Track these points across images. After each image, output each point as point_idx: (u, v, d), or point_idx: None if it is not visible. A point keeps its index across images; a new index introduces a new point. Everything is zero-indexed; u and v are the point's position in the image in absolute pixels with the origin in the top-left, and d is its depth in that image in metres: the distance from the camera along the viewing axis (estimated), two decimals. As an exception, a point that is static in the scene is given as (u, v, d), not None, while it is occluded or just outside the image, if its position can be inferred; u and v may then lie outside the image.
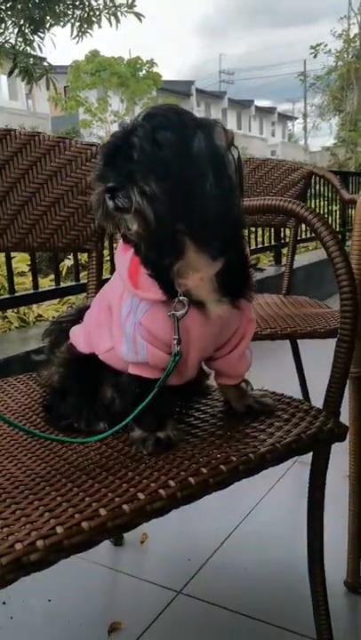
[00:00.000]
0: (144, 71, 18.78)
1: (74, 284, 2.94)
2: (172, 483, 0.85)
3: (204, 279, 0.97)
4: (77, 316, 1.26)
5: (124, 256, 1.02)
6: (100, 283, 1.54)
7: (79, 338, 1.18)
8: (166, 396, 1.03)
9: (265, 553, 1.65)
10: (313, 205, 5.90)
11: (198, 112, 35.59)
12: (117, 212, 0.85)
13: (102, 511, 0.77)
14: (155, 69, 18.90)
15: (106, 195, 0.85)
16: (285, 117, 46.39)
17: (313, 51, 13.15)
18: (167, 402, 1.05)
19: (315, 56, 13.09)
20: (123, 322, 1.03)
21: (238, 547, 1.67)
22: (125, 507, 0.79)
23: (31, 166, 1.42)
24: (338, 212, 7.00)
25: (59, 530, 0.73)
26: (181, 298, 0.97)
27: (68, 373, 1.17)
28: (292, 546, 1.65)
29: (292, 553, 1.62)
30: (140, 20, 6.08)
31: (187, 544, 1.69)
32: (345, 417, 1.29)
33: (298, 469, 2.01)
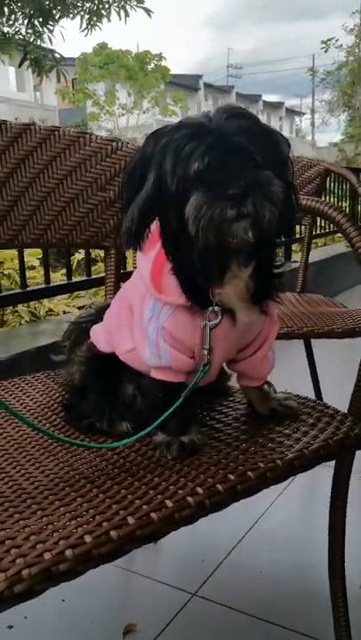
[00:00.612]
0: (152, 65, 18.67)
1: (85, 278, 2.92)
2: (199, 490, 0.83)
3: (238, 286, 0.94)
4: (97, 316, 1.24)
5: (143, 258, 0.99)
6: (119, 279, 1.53)
7: (100, 337, 1.16)
8: (189, 400, 1.01)
9: (280, 553, 1.63)
10: (323, 202, 5.85)
11: (206, 106, 35.52)
12: (237, 220, 0.80)
13: (130, 519, 0.76)
14: (163, 63, 18.79)
15: (229, 202, 0.79)
16: (293, 112, 46.16)
17: (324, 45, 13.03)
18: (190, 405, 1.03)
19: (326, 51, 12.95)
20: (145, 325, 1.01)
21: (253, 547, 1.66)
22: (154, 515, 0.77)
23: (51, 161, 1.40)
24: (348, 209, 6.95)
25: (87, 539, 0.71)
26: (215, 308, 0.94)
27: (89, 371, 1.15)
28: (307, 547, 1.63)
29: (308, 554, 1.60)
30: (149, 15, 6.06)
31: (201, 545, 1.68)
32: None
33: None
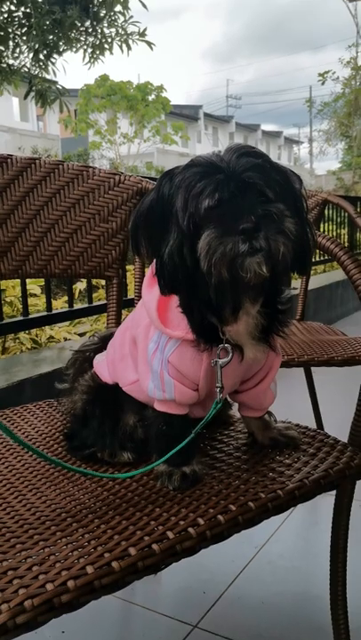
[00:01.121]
0: (153, 95, 19.07)
1: (86, 306, 2.95)
2: (200, 521, 0.84)
3: (248, 323, 0.94)
4: (101, 345, 1.25)
5: (151, 290, 1.00)
6: (121, 309, 1.55)
7: (103, 368, 1.17)
8: (191, 429, 1.01)
9: (282, 584, 1.61)
10: (323, 229, 5.93)
11: (206, 135, 36.07)
12: (250, 254, 0.80)
13: (132, 550, 0.76)
14: (164, 94, 19.19)
15: (240, 236, 0.80)
16: (291, 141, 46.86)
17: (321, 78, 13.34)
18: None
19: (323, 83, 13.26)
20: (149, 358, 1.01)
21: (254, 578, 1.64)
22: (155, 546, 0.77)
23: (55, 194, 1.43)
24: (346, 236, 7.02)
25: (89, 570, 0.72)
26: (226, 346, 0.95)
27: (92, 401, 1.16)
28: (309, 577, 1.62)
29: (310, 584, 1.59)
30: (150, 47, 6.21)
31: (202, 576, 1.66)
32: None
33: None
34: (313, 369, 2.35)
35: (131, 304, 2.72)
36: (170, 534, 0.80)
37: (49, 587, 0.68)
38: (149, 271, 1.01)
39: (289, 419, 1.24)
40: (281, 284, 0.96)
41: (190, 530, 0.81)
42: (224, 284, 0.84)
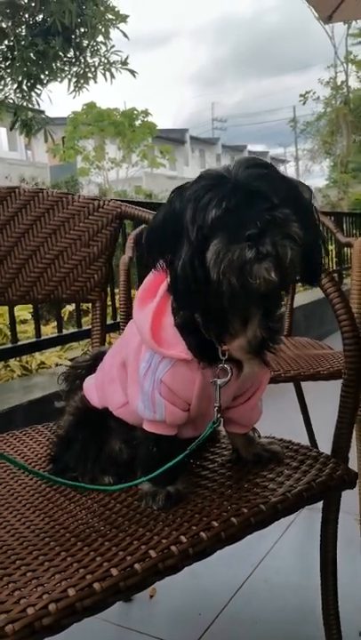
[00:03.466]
0: (140, 120, 19.35)
1: (76, 330, 2.96)
2: (183, 538, 0.84)
3: (250, 337, 0.95)
4: (93, 362, 1.25)
5: (142, 309, 1.00)
6: (105, 332, 1.56)
7: (92, 392, 1.17)
8: (179, 450, 1.01)
9: (277, 601, 1.60)
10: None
11: (193, 158, 36.50)
12: (257, 260, 0.81)
13: (114, 571, 0.76)
14: (150, 119, 19.48)
15: (247, 243, 0.80)
16: (278, 161, 47.42)
17: (302, 98, 13.63)
18: (178, 455, 1.02)
19: (304, 103, 13.56)
20: (141, 379, 1.01)
21: (250, 598, 1.63)
22: (137, 566, 0.78)
23: (35, 221, 1.46)
24: (333, 252, 7.08)
25: (70, 592, 0.72)
26: (225, 366, 0.96)
27: (78, 424, 1.16)
28: (304, 592, 1.61)
29: (305, 601, 1.58)
30: (133, 75, 6.35)
31: (197, 597, 1.65)
32: (353, 461, 1.28)
33: (307, 515, 1.97)
34: (308, 386, 2.36)
35: (116, 327, 2.76)
36: (152, 553, 0.80)
37: (30, 610, 0.69)
38: (140, 291, 1.02)
39: (283, 436, 1.25)
40: (282, 297, 0.97)
41: (173, 548, 0.82)
42: (235, 293, 0.84)
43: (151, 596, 1.65)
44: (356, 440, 1.46)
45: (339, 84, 12.90)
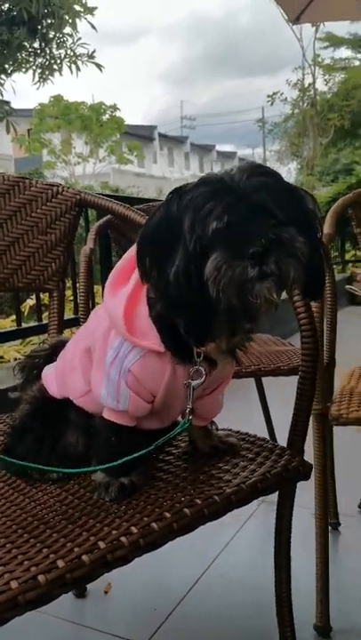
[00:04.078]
0: (107, 115, 19.19)
1: (36, 324, 2.91)
2: (134, 529, 0.82)
3: (232, 340, 0.94)
4: (51, 352, 1.22)
5: (113, 298, 0.97)
6: (62, 323, 1.52)
7: (52, 381, 1.13)
8: (139, 441, 0.99)
9: (233, 597, 1.60)
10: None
11: (162, 156, 36.48)
12: (260, 279, 0.78)
13: (60, 563, 0.74)
14: (118, 114, 19.34)
15: (250, 261, 0.77)
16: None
17: (270, 99, 13.77)
18: (134, 447, 0.99)
19: (271, 104, 13.70)
20: (107, 366, 0.98)
21: (206, 592, 1.62)
22: (85, 557, 0.75)
23: (-10, 206, 1.41)
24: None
25: (13, 585, 0.69)
26: (200, 368, 0.94)
27: (33, 414, 1.13)
28: (260, 587, 1.61)
29: (261, 595, 1.57)
30: (100, 69, 6.30)
31: (153, 593, 1.63)
32: (309, 454, 1.28)
33: (265, 509, 1.98)
34: (269, 381, 2.37)
35: (74, 323, 2.72)
36: (101, 544, 0.78)
37: (-31, 604, 0.65)
38: (111, 276, 0.99)
39: (246, 429, 1.24)
40: None
41: (122, 539, 0.80)
42: (234, 310, 0.81)
43: (106, 592, 1.63)
44: (313, 433, 1.47)
45: (306, 86, 13.10)
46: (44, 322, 2.92)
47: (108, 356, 0.98)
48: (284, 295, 0.99)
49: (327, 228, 1.60)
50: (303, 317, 1.12)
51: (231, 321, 0.87)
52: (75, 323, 2.73)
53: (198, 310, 0.85)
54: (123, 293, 0.95)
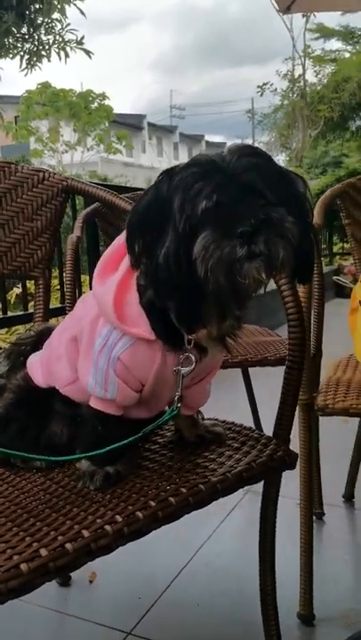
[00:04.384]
0: (96, 104, 18.99)
1: (21, 313, 2.88)
2: (118, 518, 0.81)
3: (224, 326, 0.93)
4: (37, 339, 1.20)
5: (102, 286, 0.96)
6: (48, 311, 1.51)
7: (37, 370, 1.12)
8: (126, 430, 0.99)
9: (218, 585, 1.61)
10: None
11: (150, 145, 36.24)
12: (248, 259, 0.77)
13: (43, 551, 0.73)
14: (107, 102, 19.15)
15: (239, 240, 0.77)
16: (235, 152, 47.67)
17: (259, 90, 13.71)
18: (120, 436, 0.99)
19: (261, 95, 13.63)
20: (95, 354, 0.96)
21: (191, 581, 1.63)
22: (69, 545, 0.75)
23: (-25, 191, 1.38)
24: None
25: (-5, 573, 0.68)
26: (190, 355, 0.94)
27: (18, 403, 1.11)
28: (244, 576, 1.61)
29: (245, 583, 1.58)
30: (89, 56, 6.22)
31: (138, 581, 1.63)
32: (295, 444, 1.28)
33: (250, 499, 1.99)
34: (256, 372, 2.38)
35: (61, 312, 2.70)
36: (85, 533, 0.78)
37: None
38: (99, 264, 0.98)
39: (233, 419, 1.24)
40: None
41: (107, 527, 0.79)
42: (222, 291, 0.81)
43: (91, 581, 1.62)
44: (299, 423, 1.48)
45: (296, 77, 13.05)
46: (30, 311, 2.90)
47: (96, 344, 0.97)
48: (272, 286, 1.00)
49: (316, 218, 1.60)
50: (291, 307, 1.12)
51: (220, 303, 0.87)
52: (61, 312, 2.71)
53: (188, 294, 0.84)
54: (112, 281, 0.94)
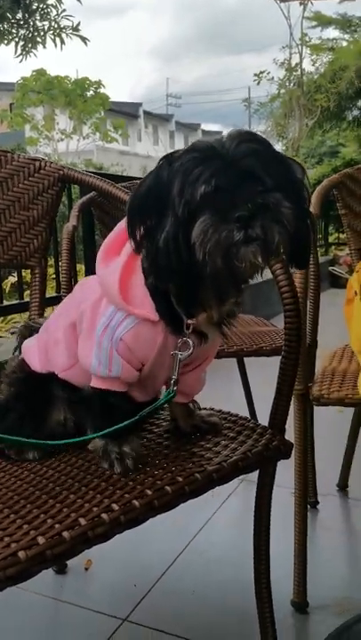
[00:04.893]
0: (92, 91, 18.83)
1: (17, 302, 2.87)
2: (115, 506, 0.82)
3: (222, 311, 0.95)
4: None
5: (107, 265, 0.97)
6: (44, 301, 1.50)
7: (33, 355, 1.12)
8: (132, 407, 1.01)
9: (212, 574, 1.62)
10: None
11: (146, 133, 36.00)
12: (245, 243, 0.79)
13: (41, 539, 0.74)
14: (103, 90, 18.98)
15: (236, 224, 0.78)
16: (231, 141, 47.40)
17: (256, 78, 13.58)
18: (130, 414, 0.99)
19: (258, 83, 13.52)
20: (98, 335, 0.97)
21: (186, 569, 1.64)
22: (66, 534, 0.75)
23: (-29, 180, 1.37)
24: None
25: (-7, 560, 0.69)
26: (188, 340, 0.95)
27: (16, 393, 1.11)
28: (239, 565, 1.63)
29: (240, 572, 1.60)
30: (85, 43, 6.14)
31: (133, 569, 1.65)
32: (290, 434, 1.29)
33: (245, 488, 2.01)
34: (252, 361, 2.38)
35: (57, 301, 2.69)
36: (82, 521, 0.78)
37: None
38: (102, 248, 0.99)
39: (228, 408, 1.25)
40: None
41: (103, 515, 0.80)
42: (220, 274, 0.82)
43: (86, 569, 1.64)
44: (295, 413, 1.48)
45: (293, 65, 12.92)
46: (26, 300, 2.89)
47: (99, 323, 0.97)
48: (268, 275, 1.01)
49: (312, 208, 1.59)
50: (287, 295, 1.12)
51: (218, 286, 0.88)
52: (57, 301, 2.70)
53: (188, 277, 0.85)
54: (116, 263, 0.95)
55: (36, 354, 1.12)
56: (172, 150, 0.91)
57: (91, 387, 1.01)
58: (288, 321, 1.13)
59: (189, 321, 0.94)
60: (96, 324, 0.98)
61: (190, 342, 0.96)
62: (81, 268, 3.86)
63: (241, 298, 0.97)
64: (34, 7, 6.09)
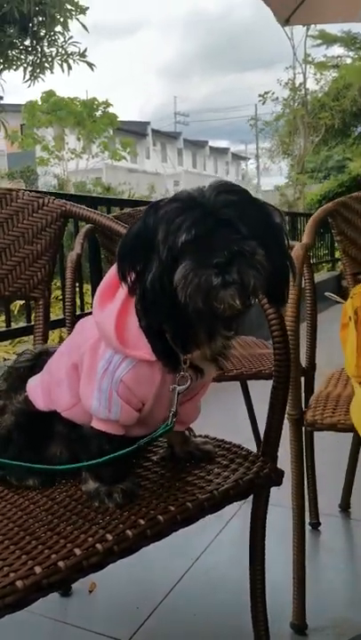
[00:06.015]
0: (100, 111, 19.12)
1: (24, 325, 2.93)
2: (109, 536, 0.86)
3: (214, 347, 1.00)
4: (34, 361, 1.24)
5: (103, 309, 1.02)
6: (47, 329, 1.56)
7: (37, 395, 1.16)
8: (125, 447, 1.03)
9: (215, 594, 1.65)
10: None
11: (155, 151, 36.35)
12: (223, 287, 0.86)
13: (38, 569, 0.78)
14: (111, 110, 19.28)
15: (214, 270, 0.85)
16: (239, 158, 47.82)
17: (261, 98, 13.81)
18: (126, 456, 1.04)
19: (263, 103, 13.74)
20: (98, 377, 1.02)
21: (188, 590, 1.67)
22: (61, 563, 0.80)
23: (-23, 217, 1.44)
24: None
25: (-7, 589, 0.73)
26: (185, 374, 1.00)
27: (20, 426, 1.15)
28: (241, 587, 1.64)
29: (241, 593, 1.62)
30: (91, 68, 6.31)
31: (137, 591, 1.68)
32: (286, 459, 1.33)
33: (248, 509, 2.03)
34: (253, 384, 2.41)
35: (60, 323, 2.74)
36: (77, 551, 0.82)
37: None
38: (100, 289, 1.04)
39: (232, 432, 1.28)
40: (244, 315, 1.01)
41: (98, 545, 0.84)
42: (202, 314, 0.89)
43: (90, 591, 1.67)
44: (290, 439, 1.51)
45: (297, 85, 13.10)
46: (33, 322, 2.95)
47: (99, 366, 1.02)
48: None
49: (306, 238, 1.65)
50: (275, 326, 1.16)
51: (204, 325, 0.96)
52: (63, 324, 2.76)
53: (175, 317, 0.92)
54: (112, 307, 1.00)
55: (40, 394, 1.16)
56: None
57: (91, 427, 1.05)
58: (277, 347, 1.17)
59: (185, 356, 0.99)
60: (96, 367, 1.03)
61: (188, 376, 1.01)
62: (88, 288, 3.92)
63: (232, 333, 1.02)
64: (41, 34, 6.26)
